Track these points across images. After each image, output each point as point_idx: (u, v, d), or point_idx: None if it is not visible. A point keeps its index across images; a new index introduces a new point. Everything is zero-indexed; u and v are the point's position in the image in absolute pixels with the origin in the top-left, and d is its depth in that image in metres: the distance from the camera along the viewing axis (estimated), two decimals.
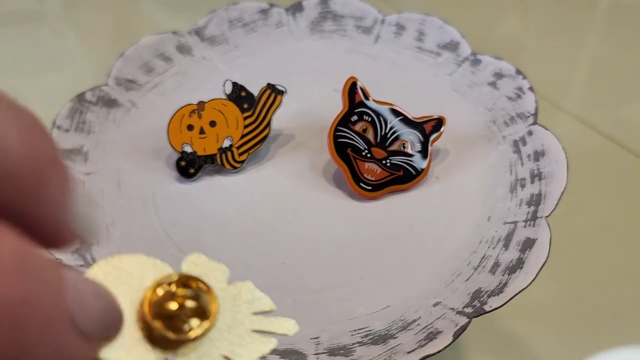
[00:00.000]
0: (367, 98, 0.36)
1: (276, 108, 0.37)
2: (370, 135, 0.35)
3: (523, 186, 0.34)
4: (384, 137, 0.35)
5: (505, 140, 0.37)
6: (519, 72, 0.39)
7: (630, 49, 0.56)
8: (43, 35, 0.63)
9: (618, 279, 0.40)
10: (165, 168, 0.37)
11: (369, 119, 0.35)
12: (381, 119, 0.36)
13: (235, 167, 0.37)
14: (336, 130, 0.35)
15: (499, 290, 0.29)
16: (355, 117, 0.35)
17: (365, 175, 0.35)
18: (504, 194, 0.34)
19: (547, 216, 0.32)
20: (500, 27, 0.62)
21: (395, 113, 0.36)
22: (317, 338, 0.29)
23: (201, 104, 0.37)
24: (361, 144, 0.35)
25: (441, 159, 0.37)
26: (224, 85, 0.37)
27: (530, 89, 0.38)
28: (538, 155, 0.35)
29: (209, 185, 0.36)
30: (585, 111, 0.53)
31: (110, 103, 0.40)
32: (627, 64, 0.52)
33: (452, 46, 0.41)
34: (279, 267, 0.32)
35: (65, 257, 0.31)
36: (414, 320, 0.29)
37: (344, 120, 0.35)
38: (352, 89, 0.36)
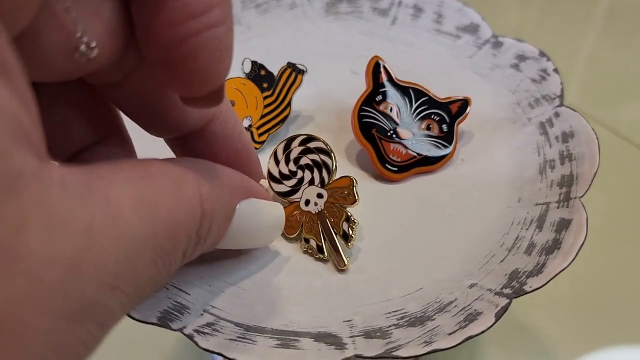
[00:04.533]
0: (391, 78, 0.35)
1: (297, 88, 0.36)
2: (395, 115, 0.34)
3: (553, 167, 0.33)
4: (410, 118, 0.34)
5: (531, 122, 0.36)
6: (542, 53, 0.38)
7: (628, 46, 0.56)
8: None
9: (619, 272, 0.39)
10: None
11: (394, 99, 0.34)
12: (406, 99, 0.35)
13: (255, 148, 0.35)
14: (360, 109, 0.34)
15: (538, 270, 0.28)
16: (379, 97, 0.34)
17: (390, 157, 0.34)
18: (533, 176, 0.34)
19: (581, 197, 0.31)
20: (499, 23, 0.62)
21: (420, 93, 0.35)
22: (350, 321, 0.28)
23: None
24: (386, 124, 0.34)
25: (465, 142, 0.36)
26: (242, 64, 0.36)
27: (556, 70, 0.37)
28: (567, 136, 0.34)
29: None
30: (583, 107, 0.53)
31: None
32: (625, 61, 0.52)
33: (472, 29, 0.41)
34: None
35: None
36: (451, 302, 0.28)
37: (369, 100, 0.34)
38: (376, 68, 0.35)
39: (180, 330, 0.26)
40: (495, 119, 0.37)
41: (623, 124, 0.52)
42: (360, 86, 0.36)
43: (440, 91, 0.35)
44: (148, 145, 0.33)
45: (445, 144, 0.34)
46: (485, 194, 0.33)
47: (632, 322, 0.40)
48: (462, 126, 0.35)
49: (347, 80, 0.39)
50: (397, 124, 0.34)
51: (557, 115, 0.35)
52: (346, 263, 0.30)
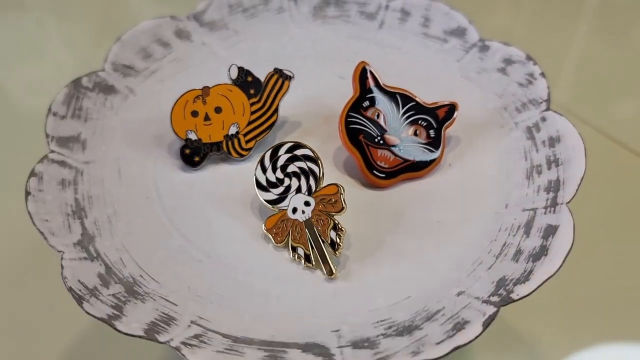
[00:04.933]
0: (378, 83, 0.35)
1: (284, 94, 0.36)
2: (382, 121, 0.34)
3: (540, 172, 0.33)
4: (397, 123, 0.34)
5: (518, 126, 0.36)
6: (529, 57, 0.38)
7: (617, 46, 0.56)
8: (24, 23, 0.61)
9: (609, 274, 0.39)
10: (167, 156, 0.35)
11: (381, 105, 0.34)
12: (393, 104, 0.34)
13: (242, 155, 0.35)
14: (348, 116, 0.34)
15: (525, 277, 0.28)
16: (367, 103, 0.34)
17: (378, 163, 0.34)
18: (520, 181, 0.34)
19: (568, 202, 0.31)
20: (488, 23, 0.62)
21: (407, 99, 0.35)
22: (337, 331, 0.28)
23: (206, 89, 0.35)
24: (373, 131, 0.34)
25: (453, 146, 0.36)
26: (229, 70, 0.36)
27: (542, 74, 0.37)
28: (553, 141, 0.34)
29: (215, 173, 0.35)
30: (573, 106, 0.53)
31: (107, 89, 0.38)
32: (614, 61, 0.52)
33: (459, 32, 0.41)
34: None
35: (69, 250, 0.30)
36: (438, 311, 0.28)
37: (356, 106, 0.34)
38: (363, 73, 0.34)
39: (167, 343, 0.26)
40: (482, 124, 0.37)
41: (612, 124, 0.52)
42: (348, 91, 0.36)
43: (428, 95, 0.35)
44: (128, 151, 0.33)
45: (433, 149, 0.34)
46: (472, 199, 0.33)
47: (620, 321, 0.40)
48: (449, 131, 0.35)
49: (335, 85, 0.39)
50: (384, 130, 0.34)
51: (543, 119, 0.35)
52: (334, 271, 0.30)
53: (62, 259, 0.29)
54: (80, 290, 0.28)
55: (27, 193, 0.31)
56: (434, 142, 0.34)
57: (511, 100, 0.37)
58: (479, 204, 0.33)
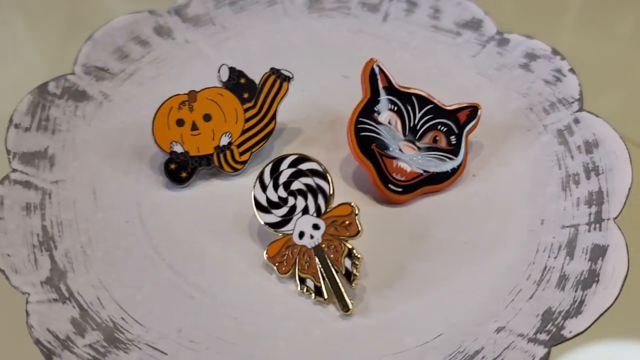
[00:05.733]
0: (391, 84, 0.30)
1: (282, 97, 0.31)
2: (397, 127, 0.30)
3: (577, 183, 0.29)
4: (414, 129, 0.30)
5: (548, 129, 0.32)
6: (555, 52, 0.34)
7: (608, 37, 0.52)
8: None
9: None
10: (150, 172, 0.31)
11: (395, 108, 0.30)
12: (409, 107, 0.30)
13: (235, 169, 0.31)
14: (357, 122, 0.30)
15: (576, 310, 0.24)
16: (379, 107, 0.30)
17: (394, 175, 0.29)
18: (556, 193, 0.29)
19: (616, 218, 0.27)
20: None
21: (425, 101, 0.30)
22: None
23: (192, 94, 0.31)
24: (388, 138, 0.30)
25: (475, 154, 0.32)
26: (219, 71, 0.31)
27: (572, 70, 0.33)
28: (590, 146, 0.30)
29: (205, 191, 0.30)
30: None
31: (78, 95, 0.33)
32: (604, 53, 0.47)
33: (473, 24, 0.36)
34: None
35: (36, 290, 0.25)
36: (477, 352, 0.24)
37: (366, 111, 0.30)
38: (373, 73, 0.30)
39: None
40: (506, 127, 0.32)
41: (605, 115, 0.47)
42: (352, 92, 0.31)
43: (442, 96, 0.31)
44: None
45: (454, 157, 0.30)
46: (502, 215, 0.29)
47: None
48: (470, 136, 0.31)
49: (338, 86, 0.35)
50: (399, 138, 0.30)
51: (576, 121, 0.31)
52: (350, 307, 0.25)
53: (27, 302, 0.24)
54: (50, 343, 0.23)
55: None
56: (455, 150, 0.30)
57: (537, 100, 0.33)
58: (511, 221, 0.29)
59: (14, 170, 0.29)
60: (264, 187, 0.27)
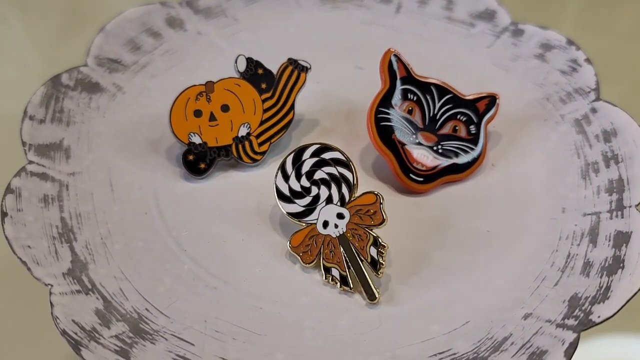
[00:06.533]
0: (410, 73, 0.30)
1: (300, 87, 0.31)
2: (417, 117, 0.30)
3: (597, 171, 0.29)
4: (433, 119, 0.30)
5: (565, 119, 0.32)
6: (570, 42, 0.34)
7: (606, 30, 0.52)
8: None
9: None
10: (167, 164, 0.30)
11: (414, 98, 0.30)
12: (428, 97, 0.30)
13: (254, 160, 0.30)
14: (377, 112, 0.29)
15: (603, 295, 0.24)
16: (398, 96, 0.30)
17: (415, 165, 0.29)
18: (576, 181, 0.29)
19: (638, 205, 0.27)
20: None
21: (444, 91, 0.30)
22: None
23: (210, 85, 0.31)
24: (408, 128, 0.29)
25: (494, 144, 0.32)
26: (236, 62, 0.31)
27: (588, 60, 0.33)
28: (608, 135, 0.30)
29: (224, 182, 0.30)
30: None
31: (91, 87, 0.32)
32: (603, 46, 0.47)
33: (487, 15, 0.36)
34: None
35: (58, 281, 0.25)
36: (506, 339, 0.24)
37: (386, 101, 0.30)
38: (391, 63, 0.30)
39: None
40: (523, 117, 0.32)
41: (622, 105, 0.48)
42: (367, 82, 0.31)
43: (457, 87, 0.31)
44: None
45: (474, 147, 0.30)
46: (523, 204, 0.29)
47: None
48: (488, 126, 0.31)
49: (353, 77, 0.35)
50: (419, 127, 0.30)
51: (594, 110, 0.31)
52: (377, 295, 0.25)
53: (50, 294, 0.24)
54: (76, 334, 0.23)
55: (4, 214, 0.26)
56: (475, 139, 0.30)
57: (554, 90, 0.33)
58: (532, 210, 0.29)
59: (30, 162, 0.29)
60: (286, 177, 0.27)
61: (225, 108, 0.30)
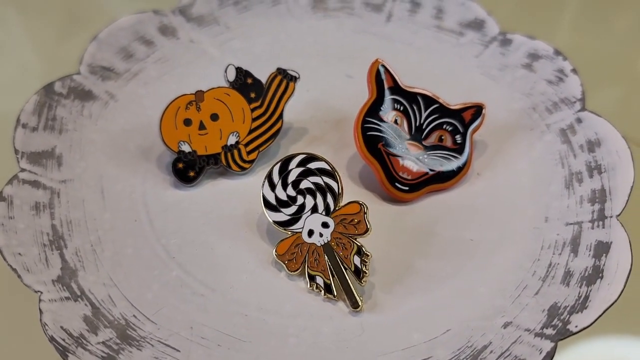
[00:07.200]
0: (397, 84, 0.31)
1: (289, 97, 0.31)
2: (404, 126, 0.30)
3: (580, 181, 0.30)
4: (419, 129, 0.30)
5: (550, 129, 0.32)
6: (557, 52, 0.34)
7: (605, 32, 0.52)
8: None
9: None
10: (157, 172, 0.31)
11: (401, 108, 0.30)
12: (414, 107, 0.30)
13: (243, 168, 0.31)
14: (364, 121, 0.30)
15: (581, 305, 0.25)
16: (385, 106, 0.30)
17: (400, 174, 0.30)
18: (559, 191, 0.30)
19: (619, 215, 0.28)
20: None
21: (430, 101, 0.31)
22: None
23: (199, 94, 0.31)
24: (394, 138, 0.30)
25: (480, 153, 0.32)
26: (226, 71, 0.31)
27: (574, 71, 0.33)
28: (592, 145, 0.31)
29: (213, 190, 0.31)
30: None
31: (84, 95, 0.33)
32: (602, 48, 0.47)
33: (476, 25, 0.37)
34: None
35: (48, 288, 0.25)
36: (485, 347, 0.24)
37: (372, 110, 0.30)
38: (378, 73, 0.30)
39: None
40: (509, 126, 0.33)
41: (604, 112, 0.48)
42: (357, 91, 0.32)
43: (446, 96, 0.31)
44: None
45: (459, 157, 0.30)
46: (507, 213, 0.30)
47: None
48: (474, 135, 0.31)
49: (342, 85, 0.35)
50: (405, 137, 0.30)
51: (579, 121, 0.32)
52: (360, 303, 0.26)
53: (40, 300, 0.24)
54: (64, 340, 0.23)
55: None
56: (461, 149, 0.31)
57: (540, 100, 0.34)
58: (515, 219, 0.29)
59: (22, 170, 0.29)
60: (272, 186, 0.27)
61: (214, 117, 0.31)
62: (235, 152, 0.31)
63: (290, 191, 0.27)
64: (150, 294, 0.26)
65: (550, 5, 0.47)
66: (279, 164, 0.27)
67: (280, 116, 0.31)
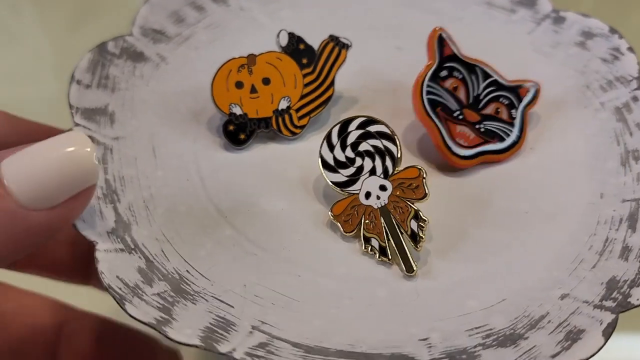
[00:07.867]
0: (456, 52, 0.30)
1: (341, 64, 0.31)
2: (461, 94, 0.30)
3: (637, 159, 0.29)
4: (477, 99, 0.30)
5: (605, 107, 0.32)
6: (613, 30, 0.34)
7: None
8: None
9: None
10: (208, 134, 0.31)
11: (460, 77, 0.30)
12: (472, 77, 0.30)
13: (294, 133, 0.31)
14: (423, 85, 0.30)
15: None
16: (445, 73, 0.30)
17: (457, 140, 0.29)
18: (615, 168, 0.29)
19: None
20: None
21: (487, 73, 0.30)
22: (426, 339, 0.24)
23: (252, 58, 0.31)
24: (452, 104, 0.30)
25: (532, 127, 0.31)
26: (278, 36, 0.31)
27: (630, 49, 0.33)
28: None
29: (264, 153, 0.30)
30: None
31: (136, 56, 0.33)
32: None
33: (528, 2, 0.36)
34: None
35: (102, 239, 0.25)
36: (542, 317, 0.24)
37: (432, 75, 0.30)
38: (439, 40, 0.30)
39: (230, 354, 0.22)
40: (562, 103, 0.32)
41: None
42: (406, 63, 0.31)
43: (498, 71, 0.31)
44: None
45: (514, 130, 0.30)
46: (561, 188, 0.29)
47: None
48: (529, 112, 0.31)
49: (392, 57, 0.35)
50: (463, 105, 0.30)
51: (635, 99, 0.31)
52: (414, 268, 0.25)
53: (95, 250, 0.24)
54: (120, 289, 0.23)
55: None
56: (515, 123, 0.30)
57: (594, 78, 0.33)
58: (570, 193, 0.29)
59: (77, 125, 0.29)
60: (331, 147, 0.27)
61: (266, 81, 0.31)
62: (287, 116, 0.31)
63: (349, 152, 0.27)
64: (203, 251, 0.26)
65: None
66: (338, 126, 0.27)
67: (332, 83, 0.31)
